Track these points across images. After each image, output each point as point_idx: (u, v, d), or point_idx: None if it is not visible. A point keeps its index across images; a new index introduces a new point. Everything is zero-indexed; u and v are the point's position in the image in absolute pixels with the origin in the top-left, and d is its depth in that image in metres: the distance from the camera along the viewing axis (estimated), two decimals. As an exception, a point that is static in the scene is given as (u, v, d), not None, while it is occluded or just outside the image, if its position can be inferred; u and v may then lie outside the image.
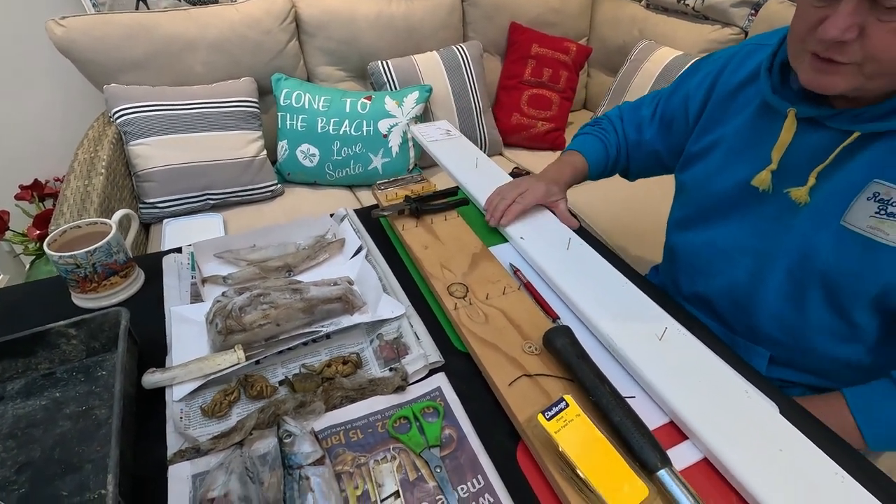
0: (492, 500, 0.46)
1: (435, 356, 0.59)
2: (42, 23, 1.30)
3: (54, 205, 1.10)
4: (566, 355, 0.54)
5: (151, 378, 0.55)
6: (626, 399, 0.50)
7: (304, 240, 0.79)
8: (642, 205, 1.41)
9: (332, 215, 0.84)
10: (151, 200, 1.31)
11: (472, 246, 0.76)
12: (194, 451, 0.49)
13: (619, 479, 0.42)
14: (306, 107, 1.48)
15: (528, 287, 0.69)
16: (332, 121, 1.48)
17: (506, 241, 0.79)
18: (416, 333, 0.62)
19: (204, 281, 0.72)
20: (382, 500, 0.46)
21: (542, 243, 0.75)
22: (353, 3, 1.58)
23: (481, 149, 1.72)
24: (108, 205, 1.13)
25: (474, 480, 0.48)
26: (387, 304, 0.65)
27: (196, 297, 0.69)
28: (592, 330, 0.62)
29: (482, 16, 1.78)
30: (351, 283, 0.70)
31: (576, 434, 0.45)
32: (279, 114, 1.51)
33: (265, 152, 1.47)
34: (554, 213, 0.82)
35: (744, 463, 0.46)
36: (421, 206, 0.82)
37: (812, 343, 0.65)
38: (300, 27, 1.57)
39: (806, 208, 0.60)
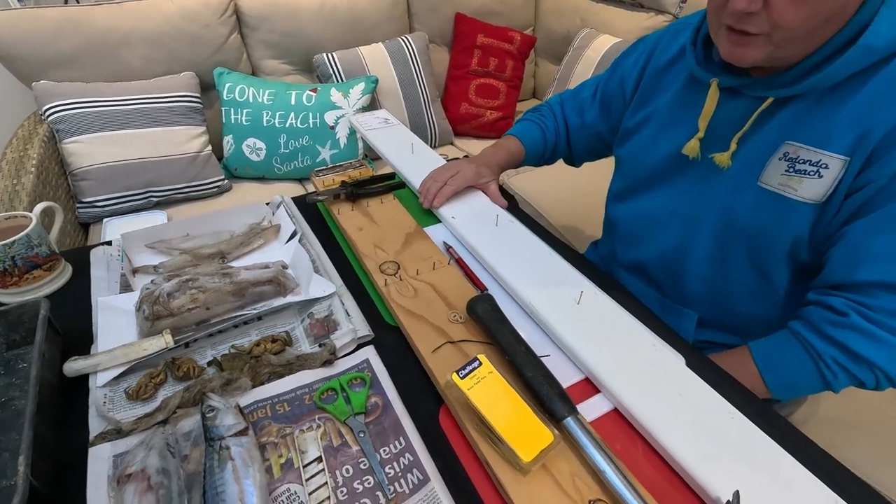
0: (412, 458, 0.48)
1: (364, 330, 0.61)
2: (-38, 18, 1.24)
3: (-19, 206, 1.06)
4: (486, 320, 0.57)
5: (74, 365, 0.55)
6: (542, 358, 0.53)
7: (239, 227, 0.79)
8: (589, 188, 1.46)
9: (268, 203, 0.84)
10: (89, 199, 1.28)
11: (406, 226, 0.78)
12: (116, 433, 0.49)
13: (526, 428, 0.45)
14: (250, 101, 1.47)
15: (459, 262, 0.72)
16: (277, 114, 1.47)
17: (440, 221, 0.81)
18: (346, 311, 0.63)
19: (135, 271, 0.71)
20: (305, 466, 0.48)
21: (472, 221, 0.77)
22: (294, -5, 1.57)
23: (431, 138, 1.74)
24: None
25: (396, 442, 0.50)
26: (318, 284, 0.66)
27: (126, 288, 0.69)
28: (516, 298, 0.65)
29: (427, 7, 1.80)
30: (285, 266, 0.71)
31: (488, 390, 0.48)
32: (223, 108, 1.48)
33: (210, 148, 1.45)
34: (485, 194, 0.84)
35: (648, 409, 0.50)
36: (357, 191, 0.83)
37: (733, 302, 0.70)
38: (241, 20, 1.55)
39: (728, 172, 0.64)
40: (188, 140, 1.39)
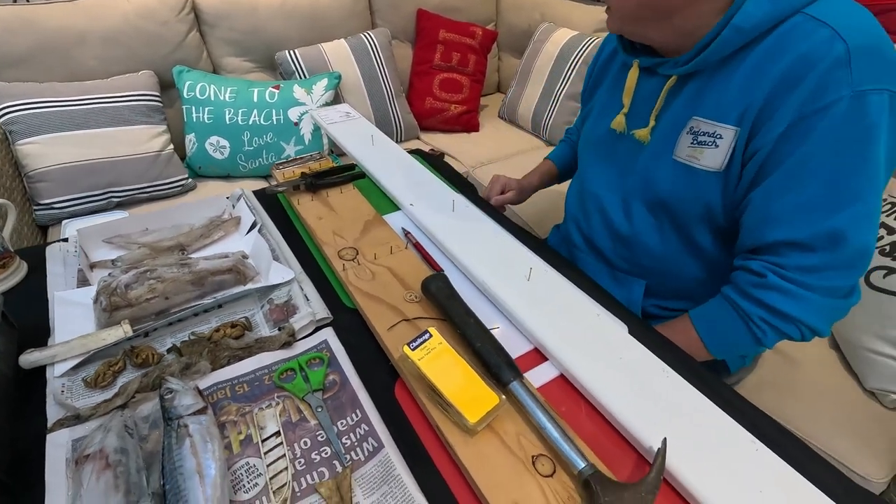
0: (367, 428, 0.50)
1: (323, 313, 0.63)
2: None
3: (-68, 210, 1.03)
4: (440, 297, 0.59)
5: (29, 357, 0.55)
6: (491, 330, 0.56)
7: (199, 221, 0.80)
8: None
9: (228, 197, 0.85)
10: (47, 201, 1.25)
11: (365, 214, 0.80)
12: (74, 419, 0.50)
13: (473, 393, 0.48)
14: (212, 98, 1.46)
15: (417, 246, 0.74)
16: (240, 111, 1.46)
17: (398, 209, 0.83)
18: (305, 295, 0.65)
19: (92, 266, 0.72)
20: (264, 440, 0.49)
21: (429, 208, 0.80)
22: (253, -8, 1.56)
23: (396, 133, 1.76)
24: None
25: (353, 415, 0.52)
26: (277, 271, 0.68)
27: (83, 283, 0.69)
28: (469, 276, 0.67)
29: (388, 4, 1.81)
30: (245, 256, 0.72)
31: (437, 360, 0.50)
32: (184, 107, 1.47)
33: (172, 147, 1.44)
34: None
35: (590, 373, 0.53)
36: (316, 182, 0.85)
37: (673, 268, 0.75)
38: (200, 18, 1.54)
39: (649, 146, 0.70)
40: (149, 139, 1.38)
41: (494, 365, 0.51)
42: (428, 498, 0.44)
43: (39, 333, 0.61)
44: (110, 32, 1.40)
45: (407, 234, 0.77)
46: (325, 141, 1.55)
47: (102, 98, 1.33)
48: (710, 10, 0.59)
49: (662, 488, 0.44)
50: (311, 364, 0.57)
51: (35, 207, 1.26)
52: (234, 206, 0.84)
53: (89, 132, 1.30)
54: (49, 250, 0.73)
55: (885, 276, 0.87)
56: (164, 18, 1.45)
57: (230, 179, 1.54)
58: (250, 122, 1.47)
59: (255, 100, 1.47)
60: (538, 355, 0.58)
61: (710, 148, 0.62)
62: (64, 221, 1.28)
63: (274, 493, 0.45)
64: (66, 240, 0.76)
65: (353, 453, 0.48)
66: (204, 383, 0.54)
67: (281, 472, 0.47)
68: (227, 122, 1.46)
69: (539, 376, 0.55)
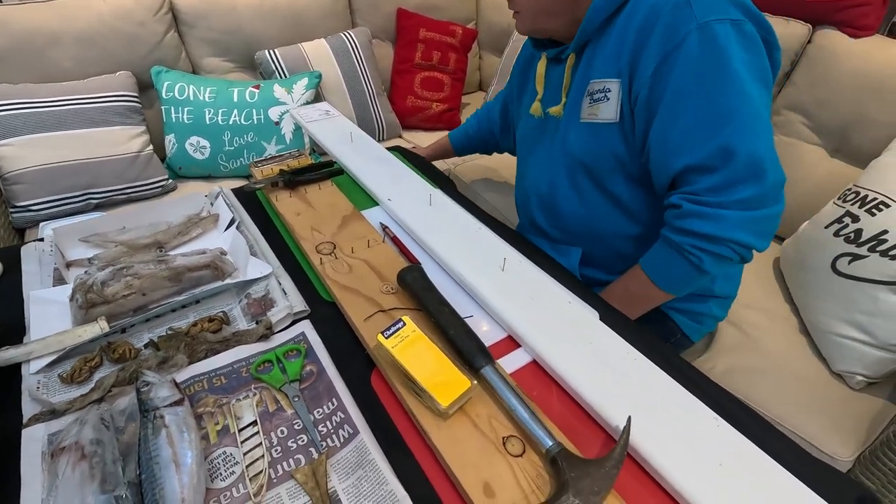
0: (343, 416, 0.51)
1: (300, 306, 0.63)
2: None
3: None
4: (415, 288, 0.61)
5: (4, 355, 0.55)
6: (465, 318, 0.57)
7: (176, 219, 0.80)
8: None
9: (206, 195, 0.85)
10: (23, 203, 1.24)
11: (343, 210, 0.80)
12: (50, 414, 0.50)
13: (445, 378, 0.49)
14: (191, 99, 1.45)
15: (394, 239, 0.75)
16: (220, 111, 1.46)
17: (377, 204, 0.84)
18: (283, 289, 0.66)
19: (68, 265, 0.71)
20: (241, 430, 0.50)
21: (407, 202, 0.81)
22: (231, -8, 1.56)
23: (378, 132, 1.76)
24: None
25: (329, 403, 0.53)
26: (255, 266, 0.68)
27: (60, 282, 0.69)
28: (445, 268, 0.69)
29: (368, 2, 1.81)
30: (224, 253, 0.72)
31: (411, 347, 0.51)
32: (163, 107, 1.46)
33: (151, 147, 1.42)
34: None
35: (561, 357, 0.55)
36: (295, 178, 0.86)
37: (600, 225, 0.81)
38: (177, 18, 1.53)
39: (562, 119, 0.79)
40: (127, 140, 1.37)
41: (467, 351, 0.52)
42: (402, 480, 0.45)
43: (13, 332, 0.61)
44: (85, 33, 1.38)
45: (385, 228, 0.78)
46: (307, 140, 1.55)
47: (79, 99, 1.32)
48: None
49: (627, 463, 0.45)
50: (289, 356, 0.58)
51: (11, 210, 1.24)
52: (212, 204, 0.84)
53: (66, 133, 1.29)
54: (24, 250, 0.73)
55: (849, 263, 0.90)
56: (141, 19, 1.44)
57: (211, 180, 1.53)
58: (230, 122, 1.46)
59: (236, 99, 1.47)
60: (511, 342, 0.60)
61: (604, 102, 0.71)
62: (41, 224, 1.26)
63: (250, 479, 0.46)
64: (41, 239, 0.76)
65: (329, 440, 0.49)
66: (181, 376, 0.55)
67: (257, 459, 0.47)
68: (208, 123, 1.45)
69: (512, 362, 0.57)
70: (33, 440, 0.48)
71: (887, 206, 0.90)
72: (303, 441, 0.49)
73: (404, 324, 0.53)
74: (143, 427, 0.47)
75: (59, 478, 0.43)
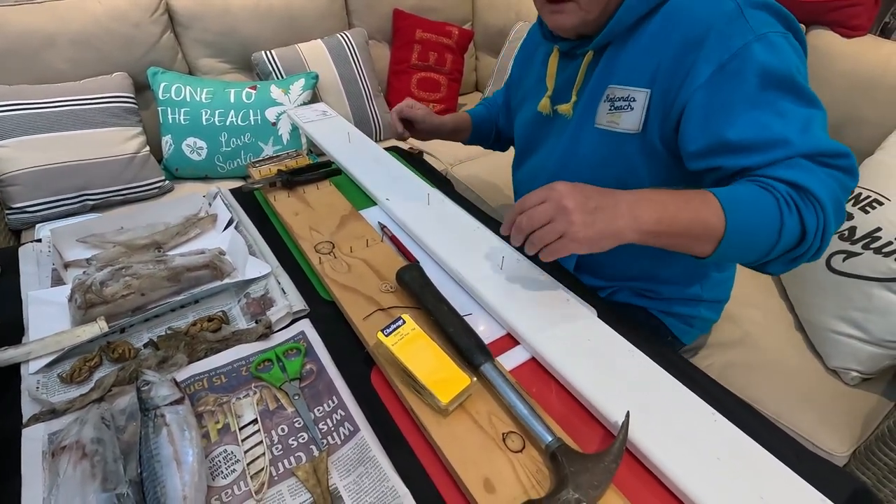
0: (343, 413, 0.52)
1: (299, 305, 0.64)
2: None
3: None
4: (414, 286, 0.61)
5: (3, 355, 0.55)
6: (465, 316, 0.57)
7: (174, 220, 0.80)
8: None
9: (204, 195, 0.85)
10: (19, 205, 1.23)
11: (341, 210, 0.81)
12: (50, 414, 0.50)
13: (445, 375, 0.49)
14: (188, 100, 1.45)
15: (392, 239, 0.75)
16: (216, 112, 1.46)
17: (375, 204, 0.85)
18: (282, 289, 0.66)
19: (66, 265, 0.71)
20: (241, 428, 0.50)
21: (405, 202, 0.81)
22: (226, -7, 1.56)
23: (376, 132, 1.77)
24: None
25: (329, 401, 0.53)
26: (253, 266, 0.69)
27: (58, 283, 0.69)
28: (444, 266, 0.69)
29: (364, 4, 1.82)
30: (223, 253, 0.73)
31: (411, 345, 0.51)
32: (159, 108, 1.46)
33: (147, 148, 1.42)
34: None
35: (560, 354, 0.55)
36: (293, 178, 0.86)
37: None
38: (173, 19, 1.53)
39: (573, 120, 0.75)
40: (123, 141, 1.36)
41: (466, 349, 0.53)
42: (402, 477, 0.45)
43: (12, 332, 0.61)
44: (81, 35, 1.38)
45: (383, 227, 0.78)
46: (304, 140, 1.55)
47: (74, 100, 1.32)
48: None
49: (626, 458, 0.46)
50: (288, 354, 0.58)
51: (7, 211, 1.24)
52: (210, 204, 0.84)
53: (61, 135, 1.28)
54: (22, 251, 0.73)
55: (844, 260, 0.91)
56: (137, 20, 1.44)
57: (208, 180, 1.53)
58: (227, 123, 1.46)
59: (232, 100, 1.47)
60: (510, 340, 0.60)
61: (627, 111, 0.67)
62: (38, 225, 1.26)
63: (251, 477, 0.46)
64: (39, 240, 0.76)
65: (329, 438, 0.50)
66: (181, 375, 0.55)
67: (258, 457, 0.48)
68: (204, 123, 1.45)
69: (511, 360, 0.57)
70: (33, 440, 0.48)
71: (881, 203, 0.91)
72: (303, 439, 0.50)
73: (404, 322, 0.53)
74: (143, 426, 0.47)
75: (61, 476, 0.43)
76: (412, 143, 1.82)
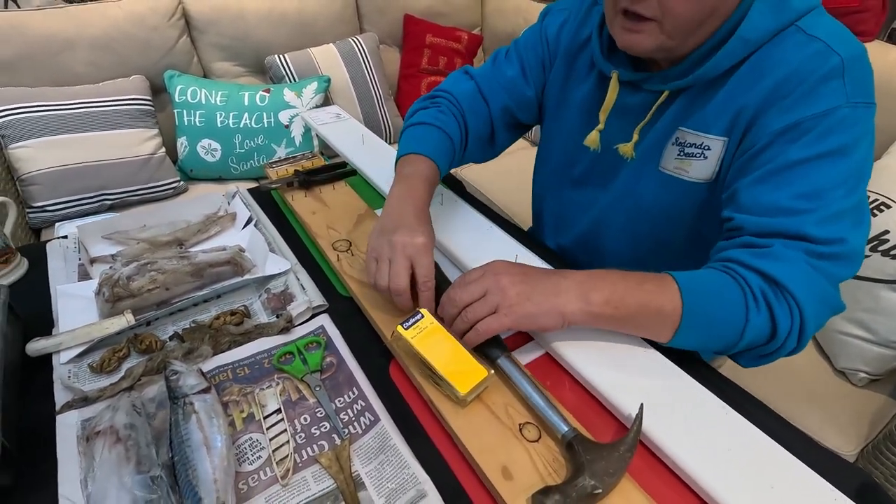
0: (364, 404, 0.53)
1: (319, 300, 0.65)
2: None
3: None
4: (430, 283, 0.62)
5: (36, 345, 0.57)
6: (480, 312, 0.59)
7: (195, 218, 0.82)
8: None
9: (223, 195, 0.88)
10: (39, 204, 1.26)
11: (357, 209, 0.83)
12: (82, 401, 0.52)
13: (463, 367, 0.51)
14: (203, 102, 1.48)
15: (407, 238, 0.77)
16: (231, 114, 1.49)
17: (390, 203, 0.86)
18: (301, 285, 0.68)
19: (93, 261, 0.74)
20: (266, 417, 0.52)
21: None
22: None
23: (386, 135, 1.79)
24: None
25: (350, 393, 0.55)
26: (274, 262, 0.71)
27: (84, 277, 0.71)
28: (458, 265, 0.71)
29: (375, 9, 1.85)
30: (242, 250, 0.75)
31: (430, 338, 0.53)
32: (175, 111, 1.49)
33: (163, 150, 1.45)
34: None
35: (573, 349, 0.56)
36: (309, 179, 0.88)
37: (639, 266, 0.68)
38: (190, 23, 1.57)
39: (632, 160, 0.68)
40: (140, 142, 1.39)
41: (483, 343, 0.54)
42: (422, 464, 0.47)
43: (42, 324, 0.63)
44: (100, 39, 1.42)
45: (398, 226, 0.80)
46: (316, 142, 1.58)
47: (94, 102, 1.35)
48: (724, 21, 0.57)
49: (639, 449, 0.47)
50: (309, 347, 0.60)
51: (28, 210, 1.27)
52: (229, 203, 0.86)
53: (81, 136, 1.32)
54: (49, 246, 0.75)
55: (851, 262, 0.92)
56: (155, 24, 1.47)
57: (222, 181, 1.56)
58: (241, 125, 1.49)
59: (246, 103, 1.50)
60: (524, 335, 0.61)
61: (699, 160, 0.62)
62: (57, 224, 1.30)
63: (277, 464, 0.48)
64: (65, 237, 0.78)
65: (350, 427, 0.51)
66: (206, 367, 0.56)
67: (283, 445, 0.49)
68: (219, 125, 1.48)
69: (526, 355, 0.58)
70: (67, 425, 0.50)
71: (888, 206, 0.92)
72: (325, 428, 0.51)
73: (422, 316, 0.55)
74: (173, 413, 0.49)
75: (97, 459, 0.45)
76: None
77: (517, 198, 1.51)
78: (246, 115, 1.49)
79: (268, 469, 0.47)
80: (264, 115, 1.50)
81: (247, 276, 0.70)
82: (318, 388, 0.55)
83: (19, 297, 0.64)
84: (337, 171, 0.92)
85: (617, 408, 0.51)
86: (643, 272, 0.56)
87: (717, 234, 0.62)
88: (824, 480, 0.44)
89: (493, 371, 0.52)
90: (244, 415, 0.52)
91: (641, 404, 0.48)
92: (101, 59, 1.42)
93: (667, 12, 0.54)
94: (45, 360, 0.58)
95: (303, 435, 0.51)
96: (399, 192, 0.67)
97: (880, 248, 0.89)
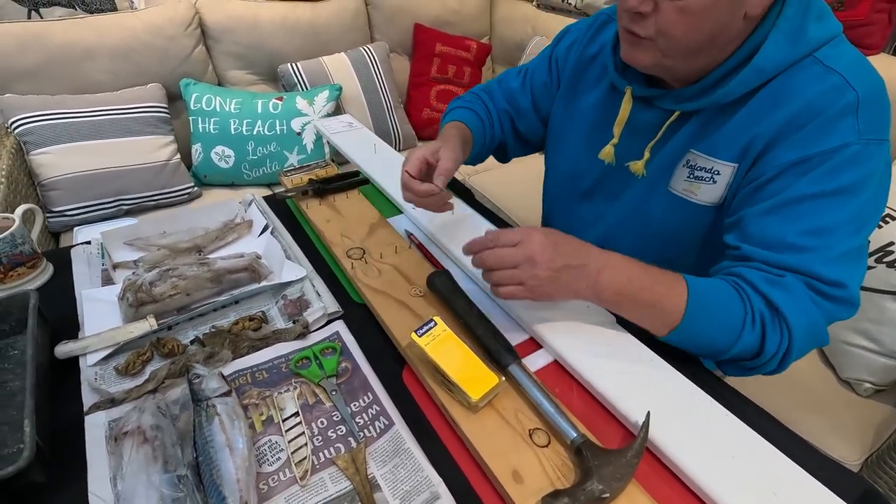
0: (378, 408, 0.55)
1: (334, 307, 0.67)
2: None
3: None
4: (444, 291, 0.65)
5: (64, 348, 0.59)
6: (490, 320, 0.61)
7: (213, 224, 0.84)
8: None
9: (240, 202, 0.90)
10: (59, 209, 1.30)
11: (370, 217, 0.85)
12: (109, 403, 0.55)
13: (475, 374, 0.52)
14: (217, 110, 1.51)
15: (419, 246, 0.79)
16: (244, 122, 1.52)
17: (402, 212, 0.89)
18: (317, 291, 0.70)
19: (115, 266, 0.76)
20: (284, 420, 0.54)
21: (430, 211, 0.84)
22: (255, 9, 1.63)
23: (395, 143, 1.82)
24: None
25: (364, 397, 0.57)
26: (290, 269, 0.73)
27: (108, 282, 0.74)
28: (469, 274, 0.72)
29: (386, 18, 1.88)
30: (259, 257, 0.77)
31: (442, 345, 0.55)
32: (190, 118, 1.53)
33: (178, 156, 1.49)
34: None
35: (581, 358, 0.58)
36: (323, 187, 0.90)
37: None
38: (206, 33, 1.60)
39: (643, 180, 0.69)
40: (156, 149, 1.43)
41: (494, 350, 0.56)
42: (435, 467, 0.49)
43: (68, 328, 0.66)
44: (119, 48, 1.45)
45: (410, 235, 0.82)
46: (327, 150, 1.61)
47: (112, 110, 1.38)
48: (733, 48, 0.58)
49: (646, 455, 0.49)
50: (325, 353, 0.62)
51: (48, 214, 1.30)
52: (245, 211, 0.88)
53: (100, 142, 1.35)
54: (74, 252, 0.78)
55: (857, 273, 0.93)
56: (172, 34, 1.51)
57: (234, 187, 1.59)
58: (254, 133, 1.52)
59: (260, 111, 1.53)
60: (534, 343, 0.63)
61: (708, 184, 0.62)
62: (75, 228, 1.33)
63: (295, 465, 0.49)
64: (88, 242, 0.81)
65: (366, 431, 0.53)
66: (226, 370, 0.59)
67: (301, 447, 0.51)
68: (233, 133, 1.51)
69: (535, 362, 0.60)
70: (96, 426, 0.52)
71: (893, 218, 0.93)
72: (341, 431, 0.53)
73: (435, 323, 0.56)
74: (197, 415, 0.51)
75: (125, 458, 0.47)
76: (430, 153, 1.86)
77: (526, 206, 1.53)
78: (259, 122, 1.52)
79: (287, 470, 0.49)
80: (277, 122, 1.53)
81: (264, 283, 0.72)
82: (334, 393, 0.57)
83: (45, 301, 0.67)
84: (350, 179, 0.94)
85: (624, 415, 0.52)
86: (661, 270, 0.58)
87: (723, 257, 0.63)
88: (828, 490, 0.46)
89: (503, 378, 0.53)
90: (263, 417, 0.54)
91: (648, 412, 0.50)
92: (120, 67, 1.46)
93: (661, 34, 0.56)
94: (72, 363, 0.60)
95: (320, 438, 0.53)
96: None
97: (885, 260, 0.90)
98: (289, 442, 0.52)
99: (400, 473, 0.49)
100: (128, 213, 1.40)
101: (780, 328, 0.56)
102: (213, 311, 0.68)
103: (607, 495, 0.43)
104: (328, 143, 1.60)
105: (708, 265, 0.67)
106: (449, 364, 0.53)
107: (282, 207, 0.92)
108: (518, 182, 1.61)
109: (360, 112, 1.73)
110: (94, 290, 0.70)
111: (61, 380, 0.58)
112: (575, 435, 0.48)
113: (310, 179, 0.93)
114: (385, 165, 0.99)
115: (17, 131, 1.28)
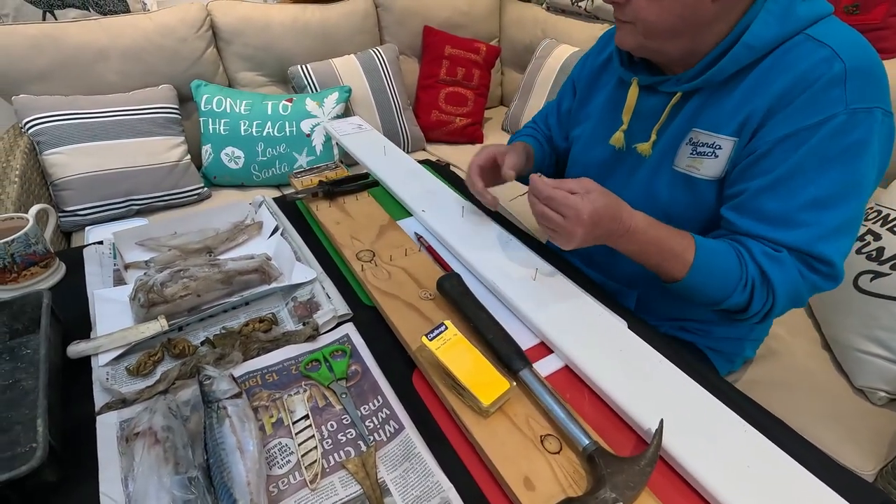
0: (388, 412, 0.55)
1: (343, 310, 0.67)
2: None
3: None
4: (454, 294, 0.64)
5: (76, 348, 0.60)
6: (501, 323, 0.61)
7: (223, 226, 0.85)
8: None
9: (250, 203, 0.90)
10: (71, 208, 1.31)
11: (380, 220, 0.85)
12: (121, 403, 0.55)
13: (486, 379, 0.52)
14: (228, 111, 1.52)
15: (429, 249, 0.79)
16: (254, 123, 1.52)
17: (411, 215, 0.89)
18: (327, 294, 0.70)
19: (127, 267, 0.76)
20: (294, 423, 0.54)
21: (440, 214, 0.85)
22: (267, 11, 1.63)
23: (403, 144, 1.82)
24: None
25: (374, 401, 0.57)
26: (300, 271, 0.73)
27: (119, 282, 0.74)
28: (479, 277, 0.72)
29: (395, 20, 1.88)
30: (269, 258, 0.77)
31: (453, 349, 0.55)
32: (201, 119, 1.53)
33: (189, 157, 1.49)
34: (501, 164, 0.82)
35: (593, 363, 0.58)
36: (333, 189, 0.90)
37: None
38: (217, 34, 1.61)
39: (650, 159, 0.73)
40: (167, 150, 1.44)
41: (505, 355, 0.56)
42: (446, 472, 0.48)
43: (81, 328, 0.66)
44: (131, 49, 1.46)
45: (420, 238, 0.82)
46: (336, 151, 1.61)
47: (124, 111, 1.39)
48: (723, 29, 0.62)
49: (659, 464, 0.48)
50: (335, 355, 0.62)
51: (60, 214, 1.31)
52: (256, 212, 0.89)
53: (111, 143, 1.36)
54: (86, 252, 0.78)
55: (871, 280, 0.92)
56: (184, 35, 1.52)
57: (244, 188, 1.60)
58: (264, 134, 1.53)
59: (269, 112, 1.53)
60: (544, 348, 0.63)
61: (710, 158, 0.66)
62: (87, 228, 1.34)
63: (305, 468, 0.49)
64: (100, 242, 0.81)
65: (376, 434, 0.53)
66: (237, 372, 0.59)
67: (311, 450, 0.51)
68: (242, 134, 1.52)
69: (545, 367, 0.60)
70: (107, 426, 0.52)
71: (909, 225, 0.92)
72: (351, 435, 0.53)
73: (446, 327, 0.56)
74: (207, 416, 0.51)
75: (137, 459, 0.47)
76: (439, 154, 1.86)
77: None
78: (269, 123, 1.53)
79: (297, 473, 0.49)
80: (286, 124, 1.54)
81: (274, 285, 0.72)
82: (344, 396, 0.57)
83: (58, 301, 0.67)
84: (360, 181, 0.94)
85: (636, 422, 0.52)
86: (676, 237, 0.65)
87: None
88: (843, 499, 0.45)
89: (514, 383, 0.53)
90: (273, 420, 0.54)
91: (661, 420, 0.49)
92: (132, 68, 1.47)
93: (637, 19, 0.63)
94: (84, 363, 0.60)
95: (330, 441, 0.52)
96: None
97: (901, 267, 0.89)
98: (299, 445, 0.52)
99: (410, 478, 0.49)
100: (138, 213, 1.41)
101: (767, 293, 0.63)
102: (224, 312, 0.69)
103: (620, 504, 0.43)
104: (337, 144, 1.61)
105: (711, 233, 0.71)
106: (460, 368, 0.53)
107: (292, 209, 0.92)
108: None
109: (370, 114, 1.74)
110: (106, 290, 0.70)
111: (73, 379, 0.59)
112: (587, 442, 0.47)
113: (319, 181, 0.93)
114: (395, 168, 0.99)
115: (30, 131, 1.29)
